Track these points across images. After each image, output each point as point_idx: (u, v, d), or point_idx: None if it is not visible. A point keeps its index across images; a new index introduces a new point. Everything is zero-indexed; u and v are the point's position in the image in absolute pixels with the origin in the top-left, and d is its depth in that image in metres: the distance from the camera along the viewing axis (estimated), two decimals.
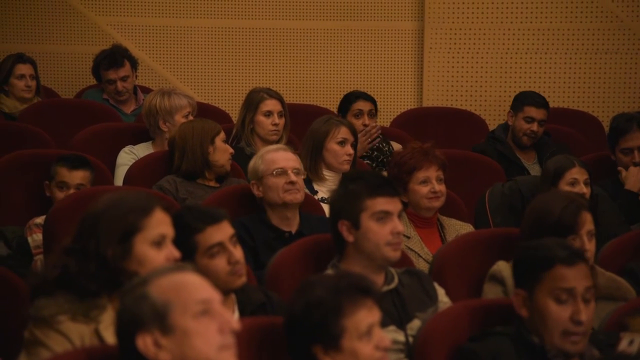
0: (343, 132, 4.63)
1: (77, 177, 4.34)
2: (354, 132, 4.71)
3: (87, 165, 4.39)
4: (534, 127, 5.57)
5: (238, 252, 3.00)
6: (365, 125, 5.47)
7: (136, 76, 6.11)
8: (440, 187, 4.11)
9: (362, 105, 5.54)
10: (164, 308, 2.20)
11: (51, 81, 6.77)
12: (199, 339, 2.19)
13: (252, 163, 4.10)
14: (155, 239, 2.61)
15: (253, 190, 4.05)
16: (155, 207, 2.64)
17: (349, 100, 5.58)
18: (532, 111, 5.57)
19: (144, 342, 2.19)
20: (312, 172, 4.59)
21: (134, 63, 6.03)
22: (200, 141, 4.50)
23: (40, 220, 4.16)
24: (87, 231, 2.61)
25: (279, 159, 4.04)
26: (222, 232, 2.98)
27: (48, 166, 4.40)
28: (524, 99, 5.64)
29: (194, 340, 2.19)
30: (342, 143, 4.62)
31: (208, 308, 2.22)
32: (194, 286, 2.24)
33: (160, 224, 2.63)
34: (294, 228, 4.01)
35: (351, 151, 4.62)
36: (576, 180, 4.32)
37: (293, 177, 3.99)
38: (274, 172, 3.99)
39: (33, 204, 4.41)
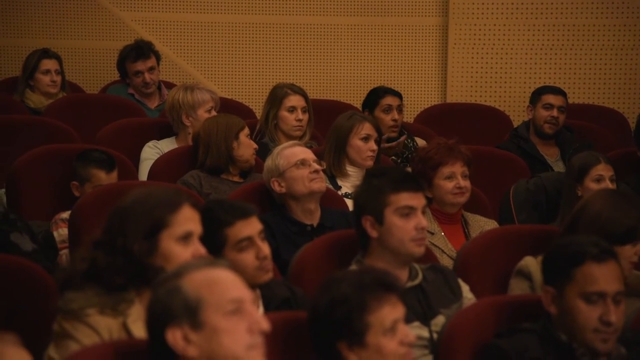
0: (367, 128, 4.62)
1: (113, 178, 4.34)
2: (377, 128, 4.70)
3: (116, 163, 4.40)
4: (554, 112, 5.57)
5: (266, 248, 3.00)
6: (395, 120, 5.47)
7: (159, 71, 6.14)
8: (465, 183, 4.09)
9: (391, 100, 5.54)
10: (196, 303, 2.20)
11: (76, 76, 6.80)
12: (228, 338, 2.19)
13: (268, 162, 4.11)
14: (181, 235, 2.61)
15: (274, 187, 4.05)
16: (184, 204, 2.64)
17: (377, 95, 5.57)
18: (550, 98, 5.59)
19: (174, 336, 2.19)
20: (335, 167, 4.59)
21: (158, 57, 6.06)
22: (225, 136, 4.52)
23: (65, 215, 4.18)
24: (115, 226, 2.62)
25: (297, 152, 4.06)
26: (252, 226, 2.98)
27: (73, 161, 4.40)
28: (540, 90, 5.70)
29: (223, 338, 2.19)
30: (365, 139, 4.61)
31: (239, 307, 2.22)
32: (227, 284, 2.24)
33: (187, 220, 2.62)
34: (315, 221, 4.01)
35: (375, 147, 4.61)
36: (602, 177, 4.30)
37: (316, 166, 4.00)
38: (297, 164, 4.00)
39: (58, 199, 4.42)
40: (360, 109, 5.72)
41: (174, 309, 2.19)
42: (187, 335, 2.19)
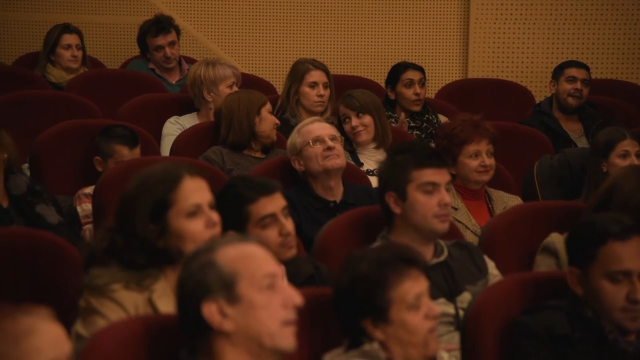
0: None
1: (136, 154, 4.35)
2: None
3: (139, 139, 4.40)
4: (578, 85, 5.54)
5: (289, 224, 3.00)
6: (417, 94, 5.44)
7: (179, 46, 6.12)
8: (490, 161, 4.07)
9: (413, 75, 5.51)
10: (232, 277, 2.18)
11: (96, 51, 6.80)
12: (264, 312, 2.18)
13: (290, 140, 4.12)
14: (189, 211, 2.57)
15: (295, 165, 4.06)
16: (183, 177, 2.58)
17: (398, 70, 5.55)
18: (573, 71, 5.56)
19: (210, 310, 2.17)
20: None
21: (178, 31, 6.05)
22: (247, 112, 4.51)
23: (89, 190, 4.19)
24: (122, 215, 2.60)
25: (314, 128, 4.05)
26: (275, 203, 2.97)
27: (95, 137, 4.41)
28: (563, 65, 5.68)
29: (259, 313, 2.17)
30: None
31: (273, 282, 2.21)
32: (261, 259, 2.23)
33: (191, 193, 2.57)
34: (338, 197, 4.01)
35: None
36: (627, 152, 4.27)
37: (330, 143, 3.99)
38: (311, 142, 4.00)
39: (81, 174, 4.43)
40: (382, 84, 5.70)
41: (209, 283, 2.17)
42: (223, 309, 2.17)
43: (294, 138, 4.07)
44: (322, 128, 4.07)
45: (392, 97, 5.50)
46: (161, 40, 5.94)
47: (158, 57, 5.97)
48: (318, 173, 4.00)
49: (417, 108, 5.42)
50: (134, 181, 2.62)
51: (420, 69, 5.57)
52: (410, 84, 5.49)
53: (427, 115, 5.43)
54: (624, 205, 3.17)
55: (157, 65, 6.00)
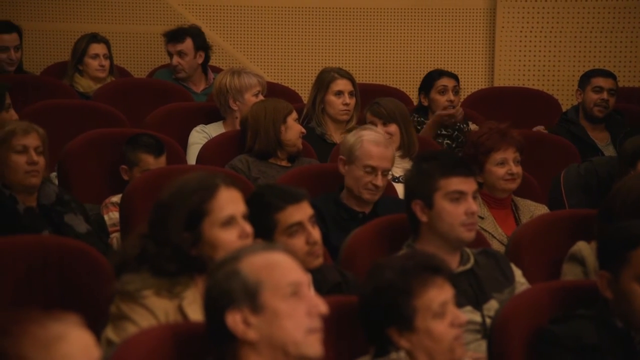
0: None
1: (162, 162, 4.37)
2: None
3: (164, 148, 4.42)
4: (604, 95, 5.52)
5: (316, 233, 2.99)
6: (451, 102, 5.44)
7: (203, 56, 6.05)
8: (517, 169, 4.06)
9: (447, 82, 5.51)
10: (256, 286, 2.18)
11: (124, 61, 6.85)
12: (288, 321, 2.17)
13: (351, 139, 3.99)
14: (223, 221, 2.58)
15: (339, 164, 4.01)
16: (219, 187, 2.60)
17: (432, 77, 5.55)
18: (600, 81, 5.53)
19: (234, 319, 2.17)
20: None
21: (200, 44, 6.00)
22: (273, 121, 4.52)
23: (116, 198, 4.21)
24: (157, 220, 2.61)
25: (374, 155, 3.92)
26: (302, 211, 2.97)
27: (122, 145, 4.44)
28: (589, 73, 5.66)
29: (283, 322, 2.17)
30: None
31: (298, 290, 2.20)
32: (286, 267, 2.22)
33: (226, 204, 2.59)
34: (367, 209, 3.98)
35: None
36: None
37: (379, 181, 3.90)
38: (364, 168, 3.92)
39: (108, 183, 4.46)
40: (408, 93, 5.70)
41: (233, 292, 2.18)
42: (247, 318, 2.17)
43: (356, 144, 3.95)
44: (382, 158, 3.93)
45: (425, 103, 5.50)
46: (170, 48, 5.98)
47: (172, 65, 6.01)
48: (353, 192, 3.96)
49: (458, 118, 5.40)
50: (170, 189, 2.63)
51: (455, 77, 5.57)
52: (444, 91, 5.48)
53: (459, 125, 5.42)
54: (623, 204, 3.21)
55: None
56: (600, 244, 2.81)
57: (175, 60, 5.97)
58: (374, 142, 3.97)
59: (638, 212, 3.21)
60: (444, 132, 5.36)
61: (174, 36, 5.98)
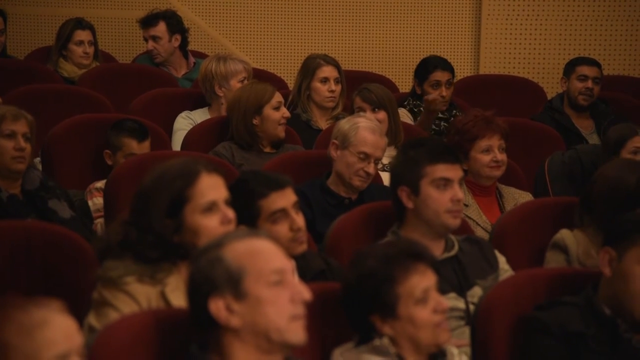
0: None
1: (145, 147, 4.35)
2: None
3: (148, 133, 4.41)
4: (589, 84, 5.52)
5: (300, 220, 2.99)
6: (443, 97, 5.40)
7: (179, 40, 5.99)
8: (502, 157, 4.07)
9: (440, 76, 5.44)
10: (239, 273, 2.18)
11: (108, 46, 6.81)
12: (271, 308, 2.17)
13: (346, 125, 3.99)
14: (205, 207, 2.58)
15: (330, 148, 4.00)
16: (200, 173, 2.59)
17: (426, 69, 5.48)
18: (585, 69, 5.53)
19: (217, 306, 2.17)
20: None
21: (175, 27, 5.93)
22: (245, 114, 4.48)
23: (100, 184, 4.20)
24: (138, 209, 2.61)
25: (369, 142, 3.93)
26: (286, 198, 2.97)
27: (107, 130, 4.42)
28: (574, 62, 5.65)
29: (266, 308, 2.17)
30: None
31: (282, 277, 2.20)
32: (269, 254, 2.22)
33: (207, 190, 2.58)
34: (354, 196, 3.98)
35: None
36: (638, 149, 4.26)
37: (371, 169, 3.92)
38: (359, 154, 3.92)
39: (93, 168, 4.44)
40: (394, 80, 5.69)
41: (216, 278, 2.17)
42: (229, 305, 2.17)
43: (351, 130, 3.95)
44: (376, 147, 3.94)
45: (419, 92, 5.48)
46: (144, 33, 5.95)
47: (148, 50, 5.98)
48: (343, 177, 3.96)
49: (442, 108, 5.40)
50: (151, 176, 2.62)
51: (450, 69, 5.50)
52: (437, 85, 5.45)
53: (455, 111, 5.42)
54: (600, 197, 3.26)
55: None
56: (614, 219, 2.79)
57: (150, 44, 5.92)
58: (370, 129, 3.97)
59: (614, 201, 3.24)
60: (440, 115, 5.36)
61: (147, 21, 5.94)
